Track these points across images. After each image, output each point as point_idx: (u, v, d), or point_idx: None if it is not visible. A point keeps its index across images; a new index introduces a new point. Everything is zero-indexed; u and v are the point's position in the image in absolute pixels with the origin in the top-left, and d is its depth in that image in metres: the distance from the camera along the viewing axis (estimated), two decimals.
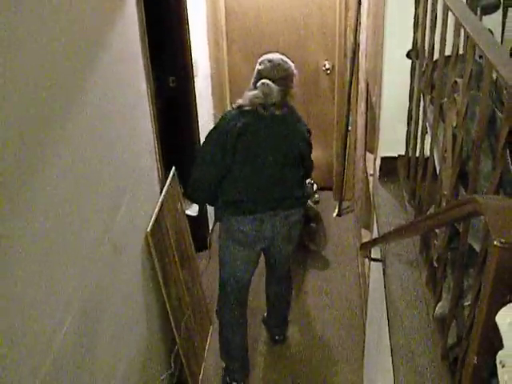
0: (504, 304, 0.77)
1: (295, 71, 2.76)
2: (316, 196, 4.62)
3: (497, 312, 0.76)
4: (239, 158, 2.68)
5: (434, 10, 1.75)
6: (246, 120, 2.67)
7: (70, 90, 1.70)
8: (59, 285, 1.62)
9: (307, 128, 2.87)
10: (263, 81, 2.62)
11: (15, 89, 1.37)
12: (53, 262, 1.58)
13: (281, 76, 2.65)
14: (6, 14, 1.32)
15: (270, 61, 2.67)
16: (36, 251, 1.48)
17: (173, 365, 2.99)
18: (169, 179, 2.91)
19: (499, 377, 0.74)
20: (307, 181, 3.29)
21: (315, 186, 3.87)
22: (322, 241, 4.14)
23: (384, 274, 2.08)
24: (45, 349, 1.53)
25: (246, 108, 2.66)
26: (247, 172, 2.71)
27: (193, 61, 3.53)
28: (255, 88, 2.65)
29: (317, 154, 4.81)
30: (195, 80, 3.60)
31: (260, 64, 2.69)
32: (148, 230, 2.51)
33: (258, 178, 2.72)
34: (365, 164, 3.54)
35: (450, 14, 1.58)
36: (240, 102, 2.68)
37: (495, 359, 0.75)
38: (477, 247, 1.44)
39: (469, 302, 1.38)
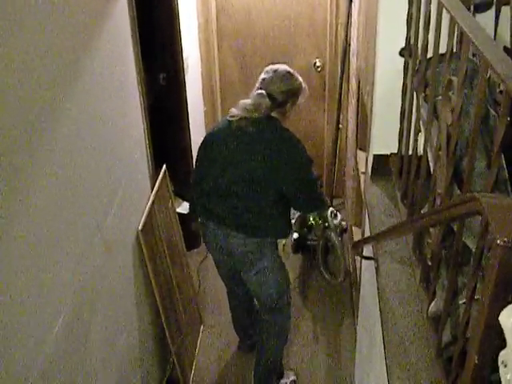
0: (506, 303, 0.77)
1: (303, 87, 2.62)
2: (342, 223, 3.65)
3: (499, 311, 0.76)
4: (201, 165, 2.69)
5: (427, 8, 1.75)
6: (217, 129, 2.63)
7: (60, 87, 1.68)
8: (51, 283, 1.60)
9: (295, 159, 2.52)
10: (259, 91, 2.50)
11: (5, 87, 1.35)
12: (44, 260, 1.56)
13: (282, 90, 2.52)
14: None
15: (274, 71, 2.54)
16: (27, 250, 1.46)
17: (165, 363, 2.98)
18: (160, 177, 2.89)
19: (501, 376, 0.73)
20: (330, 209, 3.07)
21: (339, 216, 3.17)
22: (338, 271, 3.56)
23: (377, 272, 2.08)
24: (37, 349, 1.51)
25: (230, 117, 2.54)
26: (208, 179, 2.64)
27: (183, 58, 3.51)
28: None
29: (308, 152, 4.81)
30: (186, 77, 3.58)
31: (264, 73, 2.57)
32: (139, 227, 2.49)
33: (214, 188, 2.61)
34: (356, 162, 3.54)
35: (443, 11, 1.58)
36: (232, 109, 2.56)
37: (496, 358, 0.75)
38: (471, 245, 1.44)
39: (463, 300, 1.38)
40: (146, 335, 2.68)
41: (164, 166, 3.00)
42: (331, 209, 3.10)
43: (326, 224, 3.22)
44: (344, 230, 4.00)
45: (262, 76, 2.57)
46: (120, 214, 2.27)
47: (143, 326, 2.63)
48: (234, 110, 2.55)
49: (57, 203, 1.64)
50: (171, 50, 3.42)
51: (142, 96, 2.61)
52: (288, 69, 2.59)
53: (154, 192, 2.76)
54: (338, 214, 3.21)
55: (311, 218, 3.26)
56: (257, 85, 2.56)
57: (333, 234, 3.31)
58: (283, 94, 2.53)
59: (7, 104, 1.36)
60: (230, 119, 2.54)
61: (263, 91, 2.50)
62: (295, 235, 3.95)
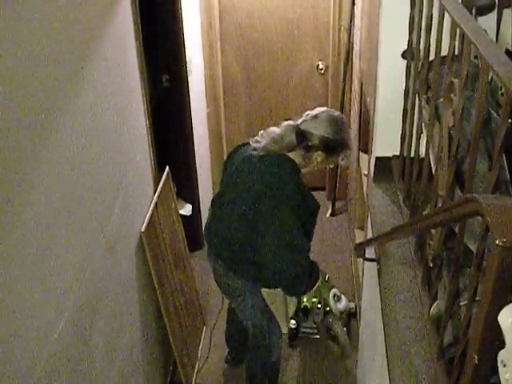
0: (505, 303, 0.78)
1: (347, 147, 2.34)
2: (351, 305, 3.02)
3: (498, 311, 0.77)
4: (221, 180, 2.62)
5: (429, 10, 1.75)
6: (236, 148, 2.50)
7: (63, 90, 1.69)
8: (53, 284, 1.61)
9: (270, 207, 2.18)
10: (292, 123, 2.30)
11: (9, 89, 1.36)
12: (48, 261, 1.57)
13: (318, 134, 2.25)
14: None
15: (323, 112, 2.31)
16: (31, 251, 1.47)
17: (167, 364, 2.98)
18: (163, 179, 2.90)
19: (500, 375, 0.74)
20: (333, 291, 2.47)
21: (344, 299, 2.55)
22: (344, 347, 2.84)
23: (379, 274, 2.08)
24: (40, 349, 1.52)
25: (254, 142, 2.34)
26: (215, 199, 2.56)
27: (187, 60, 3.52)
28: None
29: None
30: (189, 79, 3.59)
31: (314, 110, 2.34)
32: (142, 229, 2.50)
33: (215, 208, 2.53)
34: (359, 164, 3.54)
35: (445, 14, 1.58)
36: (261, 133, 2.36)
37: (495, 358, 0.75)
38: (472, 247, 1.44)
39: (465, 302, 1.38)
40: (148, 337, 2.68)
41: (167, 168, 3.01)
42: (334, 290, 2.49)
43: (327, 308, 2.58)
44: (352, 314, 3.23)
45: (309, 111, 2.34)
46: (123, 215, 2.28)
47: (146, 327, 2.64)
48: (258, 138, 2.34)
49: (59, 205, 1.65)
50: (174, 52, 3.43)
51: (145, 98, 2.62)
52: (341, 118, 2.36)
53: (156, 194, 2.77)
54: (343, 296, 2.59)
55: (304, 299, 2.55)
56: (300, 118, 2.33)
57: (335, 325, 2.60)
58: (318, 139, 2.26)
59: (11, 106, 1.36)
60: (251, 145, 2.35)
61: (296, 124, 2.29)
62: (293, 323, 3.05)
